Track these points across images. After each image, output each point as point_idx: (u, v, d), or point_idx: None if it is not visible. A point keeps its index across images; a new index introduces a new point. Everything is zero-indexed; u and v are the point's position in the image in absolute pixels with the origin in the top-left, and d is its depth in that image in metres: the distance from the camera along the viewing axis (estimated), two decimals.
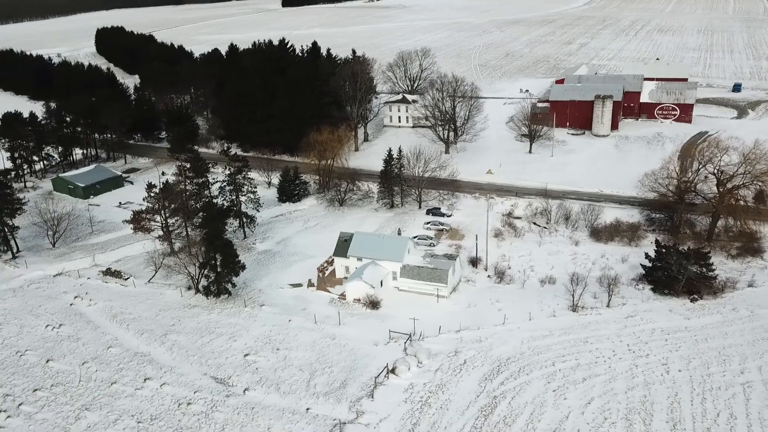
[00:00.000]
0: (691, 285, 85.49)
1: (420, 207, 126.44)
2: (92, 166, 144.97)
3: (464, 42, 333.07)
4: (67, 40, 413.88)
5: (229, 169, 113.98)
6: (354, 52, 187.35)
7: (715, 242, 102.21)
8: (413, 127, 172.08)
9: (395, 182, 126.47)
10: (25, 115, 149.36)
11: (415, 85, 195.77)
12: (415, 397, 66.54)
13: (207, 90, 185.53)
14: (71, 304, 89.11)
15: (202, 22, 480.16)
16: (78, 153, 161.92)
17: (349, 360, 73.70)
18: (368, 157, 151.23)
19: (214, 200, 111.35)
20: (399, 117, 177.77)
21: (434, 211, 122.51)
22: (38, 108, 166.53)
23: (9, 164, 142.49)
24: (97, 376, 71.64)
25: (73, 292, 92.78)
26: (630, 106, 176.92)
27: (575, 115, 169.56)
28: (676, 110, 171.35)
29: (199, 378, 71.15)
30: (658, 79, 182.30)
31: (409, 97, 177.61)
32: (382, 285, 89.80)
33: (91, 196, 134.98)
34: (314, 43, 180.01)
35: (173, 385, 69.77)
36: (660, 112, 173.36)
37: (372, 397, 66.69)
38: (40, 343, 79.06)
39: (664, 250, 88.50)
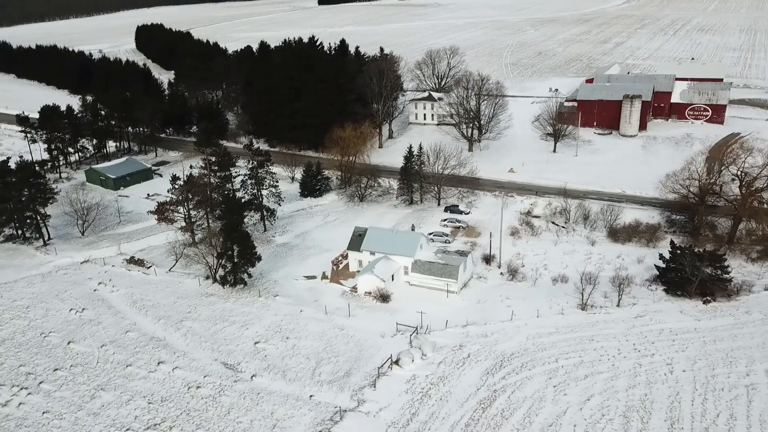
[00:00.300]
0: (705, 287, 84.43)
1: (439, 204, 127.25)
2: (123, 159, 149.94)
3: (497, 40, 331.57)
4: (109, 36, 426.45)
5: (252, 163, 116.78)
6: (382, 50, 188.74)
7: (736, 245, 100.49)
8: (438, 124, 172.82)
9: (415, 179, 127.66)
10: (64, 108, 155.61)
11: (443, 83, 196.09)
12: (416, 388, 67.77)
13: (237, 86, 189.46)
14: (95, 290, 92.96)
15: (238, 19, 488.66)
16: (111, 146, 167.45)
17: (355, 350, 75.33)
18: (391, 154, 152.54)
19: (236, 193, 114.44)
20: (424, 115, 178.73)
21: (452, 209, 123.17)
22: (76, 102, 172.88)
23: (46, 155, 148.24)
24: (114, 359, 74.91)
25: (97, 278, 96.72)
26: (660, 107, 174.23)
27: (603, 115, 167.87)
28: (708, 111, 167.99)
29: (209, 363, 73.74)
30: (690, 79, 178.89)
31: (435, 95, 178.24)
32: (393, 279, 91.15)
33: (122, 188, 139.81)
34: (342, 41, 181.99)
35: (185, 369, 72.52)
36: (691, 112, 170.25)
37: (374, 386, 68.18)
38: (63, 325, 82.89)
39: (678, 252, 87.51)
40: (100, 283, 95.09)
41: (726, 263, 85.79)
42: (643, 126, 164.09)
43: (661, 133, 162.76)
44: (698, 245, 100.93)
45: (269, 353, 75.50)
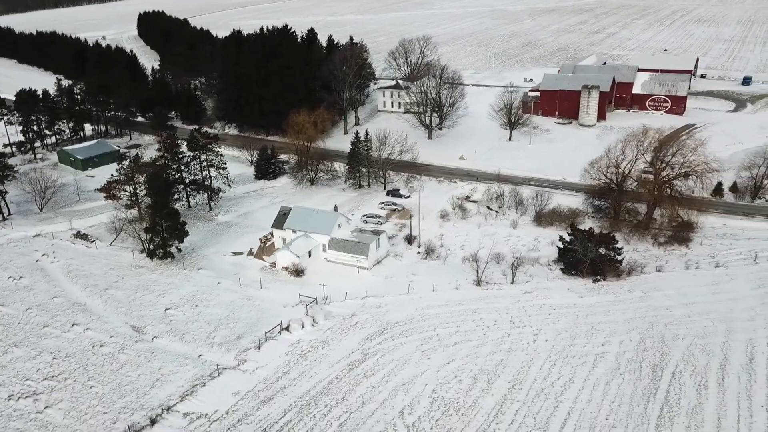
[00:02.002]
0: (597, 267, 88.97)
1: (385, 188, 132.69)
2: (94, 141, 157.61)
3: (491, 30, 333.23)
4: (116, 23, 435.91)
5: (197, 144, 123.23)
6: (351, 38, 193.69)
7: (652, 230, 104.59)
8: (405, 112, 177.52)
9: (362, 164, 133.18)
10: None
11: (416, 71, 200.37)
12: (297, 351, 73.87)
13: (216, 73, 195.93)
14: (37, 261, 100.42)
15: (244, 7, 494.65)
16: (89, 129, 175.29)
17: (254, 318, 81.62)
18: None
19: (184, 174, 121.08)
20: (392, 102, 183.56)
21: (393, 192, 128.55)
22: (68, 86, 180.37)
23: (22, 137, 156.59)
24: (35, 320, 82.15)
25: (43, 250, 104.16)
26: (622, 97, 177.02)
27: (564, 105, 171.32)
28: (668, 102, 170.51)
29: (119, 326, 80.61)
30: (653, 71, 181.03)
31: (403, 83, 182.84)
32: (310, 255, 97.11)
33: (89, 168, 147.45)
34: (311, 30, 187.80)
35: (95, 331, 79.49)
36: (651, 103, 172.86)
37: (259, 348, 74.42)
38: None
39: (579, 234, 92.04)
40: (43, 255, 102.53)
41: (617, 245, 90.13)
42: (601, 116, 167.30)
43: (619, 123, 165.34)
44: (615, 229, 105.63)
45: (176, 318, 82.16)
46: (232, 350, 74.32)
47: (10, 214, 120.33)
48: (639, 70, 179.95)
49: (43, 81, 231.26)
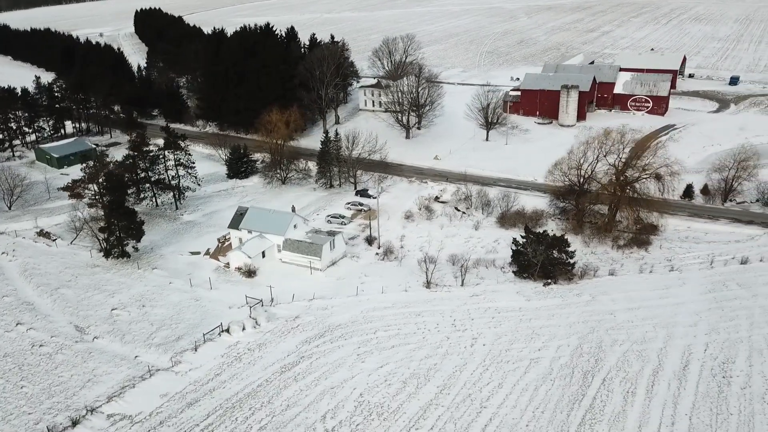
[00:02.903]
0: (548, 270, 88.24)
1: (355, 188, 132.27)
2: (72, 139, 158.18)
3: (486, 28, 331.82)
4: (115, 20, 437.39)
5: (168, 142, 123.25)
6: (332, 36, 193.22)
7: (614, 233, 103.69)
8: (385, 111, 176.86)
9: (332, 163, 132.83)
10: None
11: (399, 70, 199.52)
12: (233, 353, 73.74)
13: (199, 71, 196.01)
14: None
15: (243, 4, 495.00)
16: (70, 127, 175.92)
17: (197, 319, 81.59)
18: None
19: (150, 173, 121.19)
20: (373, 101, 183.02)
21: (362, 193, 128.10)
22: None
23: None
24: None
25: (3, 249, 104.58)
26: (604, 97, 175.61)
27: (545, 105, 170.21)
28: (649, 102, 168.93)
29: (63, 326, 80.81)
30: (635, 70, 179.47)
31: (384, 82, 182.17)
32: (264, 256, 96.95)
33: (65, 166, 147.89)
34: (291, 28, 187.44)
35: (38, 330, 79.73)
36: (633, 103, 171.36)
37: (195, 350, 74.35)
38: None
39: (531, 236, 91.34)
40: (2, 253, 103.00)
41: (570, 247, 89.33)
42: (581, 116, 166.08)
43: (598, 123, 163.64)
44: (577, 231, 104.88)
45: (121, 319, 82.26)
46: (169, 351, 74.34)
47: None
48: (621, 69, 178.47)
49: (32, 77, 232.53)
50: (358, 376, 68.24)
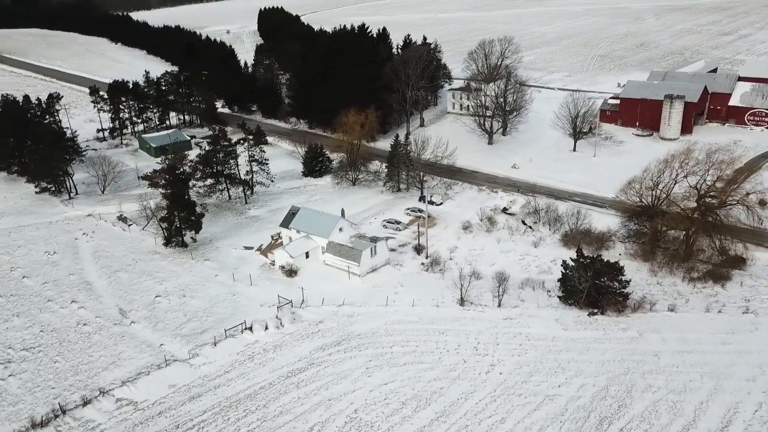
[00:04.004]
0: (594, 299, 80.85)
1: (422, 193, 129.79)
2: (171, 131, 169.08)
3: (604, 30, 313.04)
4: (242, 17, 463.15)
5: (246, 139, 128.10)
6: (425, 38, 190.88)
7: (691, 262, 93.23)
8: (472, 115, 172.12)
9: (401, 167, 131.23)
10: None
11: (494, 73, 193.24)
12: (248, 352, 74.63)
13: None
14: (76, 239, 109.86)
15: (361, 3, 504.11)
16: (174, 118, 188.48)
17: (228, 314, 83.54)
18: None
19: (225, 167, 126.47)
20: (461, 105, 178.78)
21: (425, 199, 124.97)
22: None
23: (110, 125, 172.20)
24: (45, 294, 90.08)
25: (85, 230, 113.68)
26: (717, 109, 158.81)
27: (646, 115, 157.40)
28: None
29: (110, 308, 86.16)
30: (758, 80, 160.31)
31: (473, 85, 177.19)
32: (308, 257, 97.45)
33: (162, 156, 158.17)
34: (383, 29, 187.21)
35: (87, 309, 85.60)
36: (751, 117, 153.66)
37: (215, 345, 76.10)
38: (31, 263, 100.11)
39: (582, 260, 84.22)
40: (84, 234, 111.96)
41: (624, 276, 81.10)
42: (686, 129, 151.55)
43: (706, 138, 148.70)
44: (648, 258, 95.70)
45: (160, 306, 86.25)
46: (191, 343, 76.71)
47: (77, 193, 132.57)
48: (740, 78, 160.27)
49: (161, 70, 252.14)
50: (359, 391, 66.33)
